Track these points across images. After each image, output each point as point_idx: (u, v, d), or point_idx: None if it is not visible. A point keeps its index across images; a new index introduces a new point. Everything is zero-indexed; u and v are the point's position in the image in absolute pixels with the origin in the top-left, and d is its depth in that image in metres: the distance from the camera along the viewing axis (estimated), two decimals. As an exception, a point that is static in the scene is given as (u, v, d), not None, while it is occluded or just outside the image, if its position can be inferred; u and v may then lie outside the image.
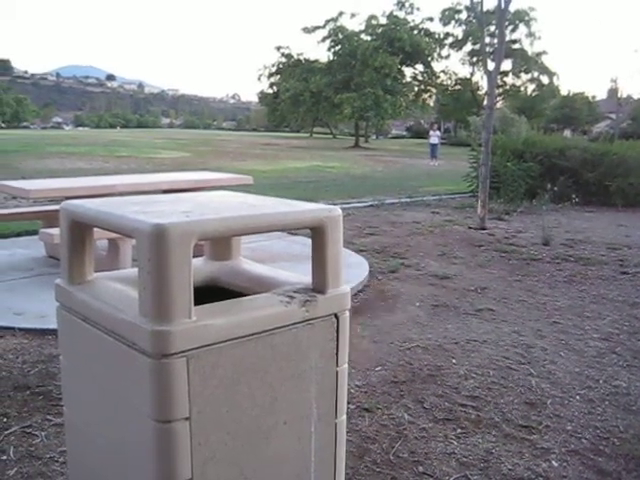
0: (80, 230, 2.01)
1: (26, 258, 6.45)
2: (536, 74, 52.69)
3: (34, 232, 6.90)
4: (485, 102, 11.86)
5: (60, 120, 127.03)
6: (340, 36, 47.60)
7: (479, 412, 3.43)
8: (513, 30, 48.11)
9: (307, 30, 49.11)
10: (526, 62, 50.95)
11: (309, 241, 2.06)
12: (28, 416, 3.21)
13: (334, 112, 47.74)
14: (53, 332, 3.99)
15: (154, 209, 1.87)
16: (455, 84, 55.78)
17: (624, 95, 48.89)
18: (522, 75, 53.24)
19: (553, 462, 2.95)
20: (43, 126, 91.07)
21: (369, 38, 46.85)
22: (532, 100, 51.64)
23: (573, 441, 3.15)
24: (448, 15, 50.74)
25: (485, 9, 10.95)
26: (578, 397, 3.68)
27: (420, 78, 51.95)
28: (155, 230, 1.63)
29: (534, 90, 53.95)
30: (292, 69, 50.06)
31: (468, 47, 52.66)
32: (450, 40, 52.60)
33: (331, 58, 48.47)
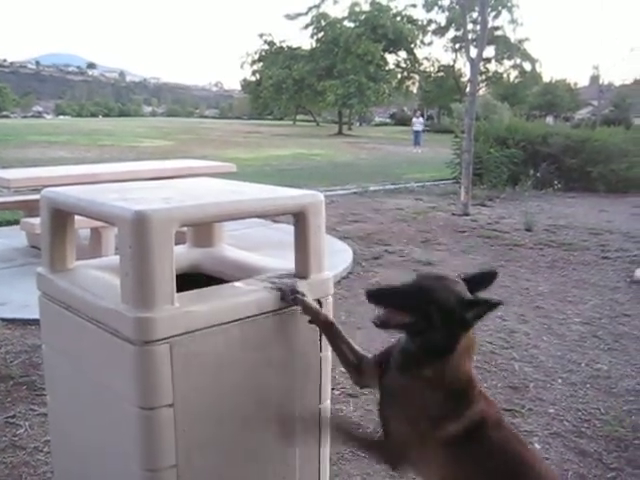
0: (61, 218, 1.99)
1: (8, 248, 6.38)
2: (518, 61, 52.82)
3: (16, 222, 6.82)
4: (468, 89, 11.87)
5: (41, 109, 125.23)
6: (323, 23, 47.31)
7: (463, 396, 3.45)
8: (496, 16, 48.03)
9: (290, 17, 48.81)
10: (508, 49, 51.00)
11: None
12: (11, 406, 3.20)
13: (317, 99, 47.52)
14: (36, 322, 3.91)
15: (135, 196, 1.86)
16: (438, 71, 55.73)
17: (606, 82, 49.11)
18: (505, 62, 53.33)
19: (536, 444, 2.98)
20: (23, 115, 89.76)
21: (352, 25, 46.60)
22: (515, 87, 51.80)
23: (555, 424, 3.19)
24: (431, 1, 50.56)
25: (468, -5, 10.96)
26: (560, 380, 3.72)
27: (403, 65, 51.77)
28: (136, 217, 1.62)
29: (517, 77, 54.10)
30: (275, 56, 49.71)
31: (451, 34, 52.59)
32: (433, 27, 52.50)
33: (314, 45, 48.21)
